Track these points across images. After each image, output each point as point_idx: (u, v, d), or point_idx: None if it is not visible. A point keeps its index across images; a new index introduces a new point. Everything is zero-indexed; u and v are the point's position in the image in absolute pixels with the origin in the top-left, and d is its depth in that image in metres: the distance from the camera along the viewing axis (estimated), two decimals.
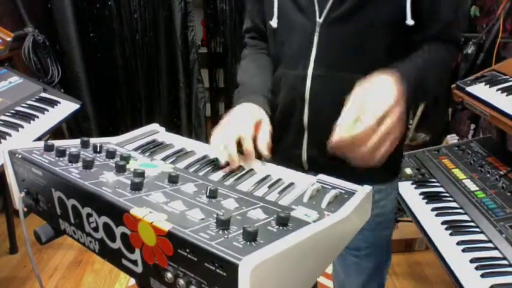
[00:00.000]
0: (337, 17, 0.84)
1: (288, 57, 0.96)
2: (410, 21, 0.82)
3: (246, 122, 0.82)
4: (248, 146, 0.78)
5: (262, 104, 0.90)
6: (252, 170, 0.81)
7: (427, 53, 0.88)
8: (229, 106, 0.98)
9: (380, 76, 0.75)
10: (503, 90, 1.47)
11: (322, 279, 1.91)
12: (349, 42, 0.85)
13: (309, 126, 0.94)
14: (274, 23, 0.96)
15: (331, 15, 0.85)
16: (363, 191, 0.73)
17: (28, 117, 1.74)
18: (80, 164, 0.74)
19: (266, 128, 0.84)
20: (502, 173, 1.47)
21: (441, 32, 0.89)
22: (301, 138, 0.96)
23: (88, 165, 0.73)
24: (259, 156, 0.82)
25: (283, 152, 1.02)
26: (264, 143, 0.81)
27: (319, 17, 0.86)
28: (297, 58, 0.92)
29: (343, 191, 0.73)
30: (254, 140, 0.81)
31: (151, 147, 0.90)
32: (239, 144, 0.79)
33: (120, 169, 0.73)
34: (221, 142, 0.79)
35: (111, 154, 0.81)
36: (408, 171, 1.62)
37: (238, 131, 0.80)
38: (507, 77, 1.55)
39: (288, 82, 0.95)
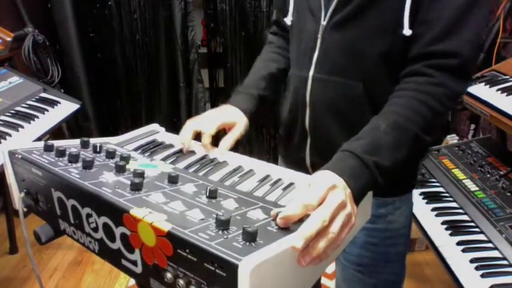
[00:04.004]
0: (338, 21, 0.84)
1: (295, 58, 0.96)
2: (407, 31, 0.78)
3: (212, 121, 0.90)
4: (204, 141, 0.88)
5: (245, 104, 0.96)
6: (251, 170, 0.81)
7: (399, 115, 0.75)
8: None
9: (328, 178, 0.64)
10: (503, 90, 1.47)
11: (322, 280, 1.91)
12: (348, 47, 0.84)
13: (310, 130, 0.93)
14: (288, 20, 0.97)
15: (333, 19, 0.84)
16: None
17: (28, 117, 1.74)
18: (79, 164, 0.74)
19: (235, 132, 0.91)
20: (502, 173, 1.47)
21: (433, 46, 0.76)
22: (305, 143, 0.95)
23: (88, 165, 0.73)
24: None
25: (289, 155, 1.02)
26: (224, 144, 0.89)
27: (324, 20, 0.86)
28: (302, 59, 0.92)
29: None
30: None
31: (151, 148, 0.90)
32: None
33: (120, 169, 0.73)
34: (183, 129, 0.90)
35: (111, 154, 0.81)
36: None
37: (201, 126, 0.89)
38: (507, 77, 1.55)
39: (293, 84, 0.95)
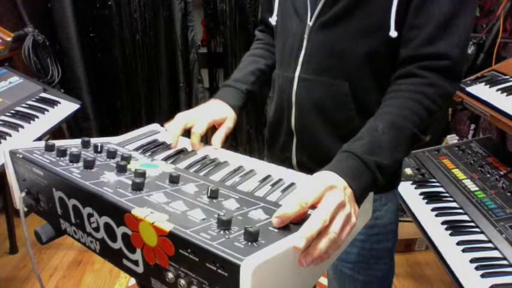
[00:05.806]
0: (325, 22, 0.84)
1: (281, 58, 0.97)
2: (393, 33, 0.79)
3: (202, 120, 0.91)
4: (193, 140, 0.90)
5: (234, 99, 0.99)
6: (252, 170, 0.81)
7: (393, 114, 0.76)
8: None
9: (329, 177, 0.65)
10: (503, 90, 1.47)
11: (322, 280, 1.91)
12: (334, 48, 0.85)
13: (296, 130, 0.94)
14: (273, 20, 0.98)
15: (320, 20, 0.85)
16: None
17: (28, 117, 1.74)
18: (80, 164, 0.74)
19: (224, 129, 0.94)
20: (502, 173, 1.47)
21: (424, 48, 0.78)
22: (291, 142, 0.96)
23: (89, 165, 0.73)
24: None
25: (275, 154, 1.03)
26: (216, 138, 0.92)
27: (310, 21, 0.87)
28: (288, 60, 0.93)
29: None
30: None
31: (152, 147, 0.90)
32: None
33: (121, 169, 0.73)
34: (173, 124, 0.92)
35: (112, 154, 0.81)
36: (408, 171, 1.62)
37: (191, 124, 0.91)
38: (507, 77, 1.55)
39: (279, 84, 0.96)
